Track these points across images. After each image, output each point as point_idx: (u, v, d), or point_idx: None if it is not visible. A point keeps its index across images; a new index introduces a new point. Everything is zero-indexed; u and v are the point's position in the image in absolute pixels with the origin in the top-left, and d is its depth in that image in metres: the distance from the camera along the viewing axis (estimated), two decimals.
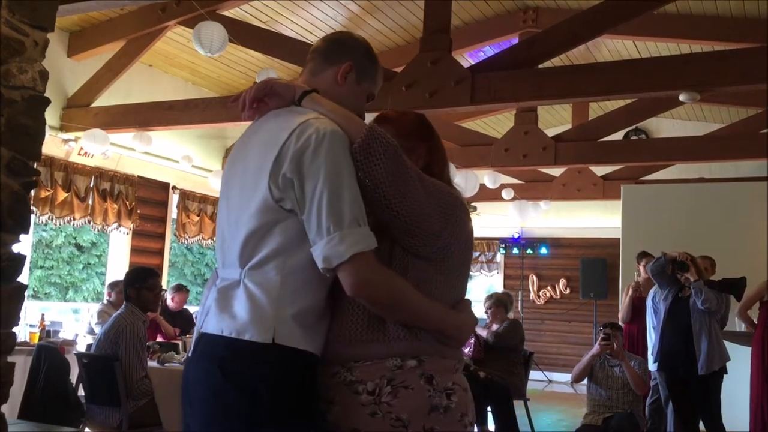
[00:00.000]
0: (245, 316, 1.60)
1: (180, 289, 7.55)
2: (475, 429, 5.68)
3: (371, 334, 1.61)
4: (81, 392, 5.00)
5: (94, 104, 7.35)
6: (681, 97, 5.48)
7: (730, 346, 5.41)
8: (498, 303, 6.41)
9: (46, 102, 2.83)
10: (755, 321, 5.74)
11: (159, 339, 6.37)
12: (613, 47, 8.23)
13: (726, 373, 5.17)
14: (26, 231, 2.74)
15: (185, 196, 8.96)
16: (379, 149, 1.61)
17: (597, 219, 10.85)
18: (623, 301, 6.73)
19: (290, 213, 1.62)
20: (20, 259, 2.71)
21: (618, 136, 9.19)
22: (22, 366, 4.46)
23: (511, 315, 6.67)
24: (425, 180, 1.69)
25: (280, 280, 1.61)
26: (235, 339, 1.59)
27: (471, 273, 12.28)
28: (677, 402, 5.23)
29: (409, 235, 1.65)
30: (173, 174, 8.66)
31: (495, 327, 6.30)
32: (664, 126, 10.28)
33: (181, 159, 8.31)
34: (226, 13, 6.58)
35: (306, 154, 1.59)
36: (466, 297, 1.81)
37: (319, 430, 1.64)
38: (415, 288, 1.63)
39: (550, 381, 10.97)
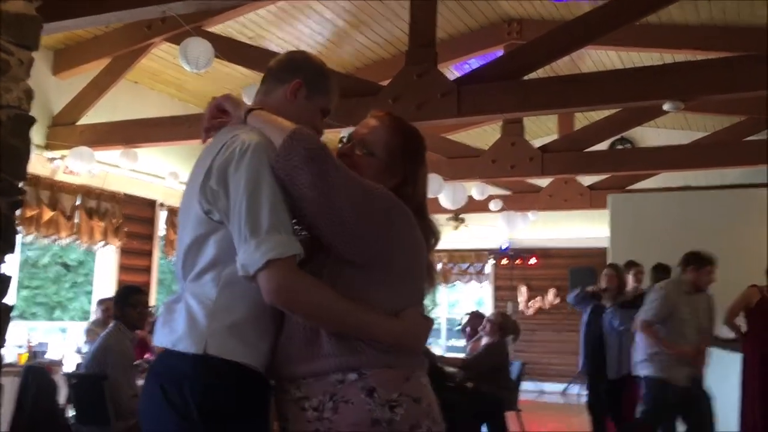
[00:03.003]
0: (181, 328, 1.64)
1: None
2: None
3: (310, 350, 1.60)
4: (70, 413, 4.94)
5: (80, 122, 7.31)
6: (665, 107, 5.53)
7: (717, 353, 5.57)
8: (495, 320, 6.38)
9: (32, 121, 2.81)
10: (742, 328, 5.82)
11: (148, 357, 6.32)
12: (597, 58, 8.30)
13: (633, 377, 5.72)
14: (12, 251, 2.72)
15: (172, 212, 8.92)
16: (299, 151, 1.60)
17: (584, 229, 10.89)
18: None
19: (220, 224, 1.65)
20: (6, 279, 2.68)
21: (604, 145, 9.24)
22: (9, 388, 4.40)
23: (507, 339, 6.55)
24: (357, 183, 1.64)
25: (217, 292, 1.64)
26: (171, 350, 1.64)
27: (461, 283, 12.26)
28: (594, 402, 6.16)
29: (337, 240, 1.61)
30: (160, 191, 8.62)
31: (485, 341, 6.30)
32: (648, 135, 10.35)
33: (168, 175, 8.27)
34: (212, 29, 6.58)
35: (230, 166, 1.64)
36: (423, 305, 1.77)
37: None
38: (350, 297, 1.59)
39: (541, 392, 10.96)
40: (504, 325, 6.35)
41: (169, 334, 1.66)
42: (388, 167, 1.77)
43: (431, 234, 1.83)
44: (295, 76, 1.88)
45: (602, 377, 5.99)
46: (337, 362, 1.58)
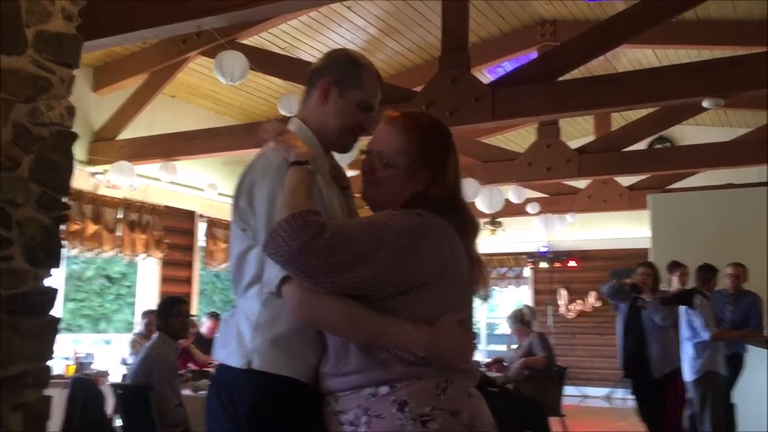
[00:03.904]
0: (231, 343, 1.69)
1: (213, 316, 7.67)
2: None
3: (341, 365, 1.59)
4: (117, 422, 5.02)
5: (120, 137, 7.46)
6: (704, 104, 5.43)
7: (760, 352, 5.56)
8: (515, 320, 6.40)
9: (74, 137, 2.88)
10: None
11: (191, 366, 6.40)
12: (633, 56, 8.19)
13: (679, 375, 5.69)
14: (57, 265, 2.78)
15: (212, 223, 9.04)
16: (280, 248, 1.50)
17: (624, 230, 10.73)
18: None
19: (256, 240, 1.67)
20: (53, 292, 2.75)
21: (642, 145, 9.10)
22: (58, 399, 4.50)
23: (536, 328, 6.60)
24: (350, 246, 1.51)
25: (260, 306, 1.66)
26: (224, 365, 1.70)
27: (498, 288, 12.14)
28: (641, 403, 5.83)
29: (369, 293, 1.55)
30: (199, 202, 8.75)
31: (522, 343, 6.27)
32: (688, 133, 10.16)
33: (207, 187, 8.39)
34: (245, 41, 6.67)
35: (255, 185, 1.67)
36: (466, 310, 1.68)
37: None
38: (376, 308, 1.54)
39: (584, 396, 10.81)
40: (520, 317, 6.38)
41: (223, 349, 1.72)
42: (413, 173, 1.67)
43: (470, 225, 1.73)
44: (323, 77, 1.81)
45: (647, 377, 5.71)
46: (366, 377, 1.56)
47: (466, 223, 1.72)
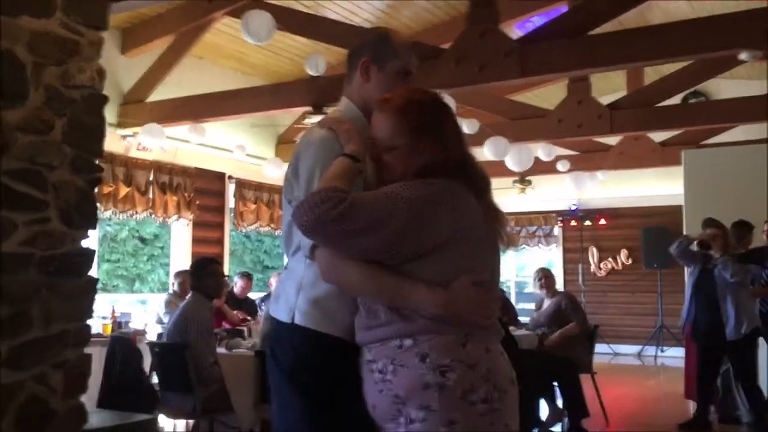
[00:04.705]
0: (281, 300, 1.89)
1: (245, 276, 7.80)
2: (542, 403, 5.68)
3: (372, 319, 1.73)
4: (154, 380, 5.15)
5: (149, 99, 7.50)
6: (742, 56, 5.28)
7: None
8: (542, 277, 6.36)
9: (105, 99, 2.90)
10: None
11: (224, 326, 6.52)
12: (666, 8, 7.96)
13: (761, 335, 5.51)
14: (94, 227, 2.83)
15: (241, 184, 9.10)
16: (308, 217, 1.64)
17: (657, 187, 10.57)
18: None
19: None
20: (90, 254, 2.80)
21: (676, 100, 8.90)
22: (97, 357, 4.61)
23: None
24: (366, 217, 1.64)
25: (305, 267, 1.84)
26: (275, 319, 1.89)
27: (528, 247, 12.12)
28: (707, 369, 5.65)
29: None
30: (228, 164, 8.80)
31: (550, 303, 6.25)
32: (724, 87, 9.91)
33: (236, 148, 8.42)
34: (271, 0, 6.61)
35: (300, 158, 1.86)
36: (488, 272, 1.77)
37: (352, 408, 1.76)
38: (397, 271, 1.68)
39: (615, 354, 10.81)
40: (548, 274, 6.41)
41: (274, 304, 1.92)
42: (413, 148, 1.76)
43: (482, 182, 1.82)
44: (360, 57, 1.96)
45: (720, 341, 5.47)
46: (392, 329, 1.69)
47: (478, 180, 1.81)
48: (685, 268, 6.51)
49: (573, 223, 11.67)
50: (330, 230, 1.63)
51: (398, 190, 1.68)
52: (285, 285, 1.90)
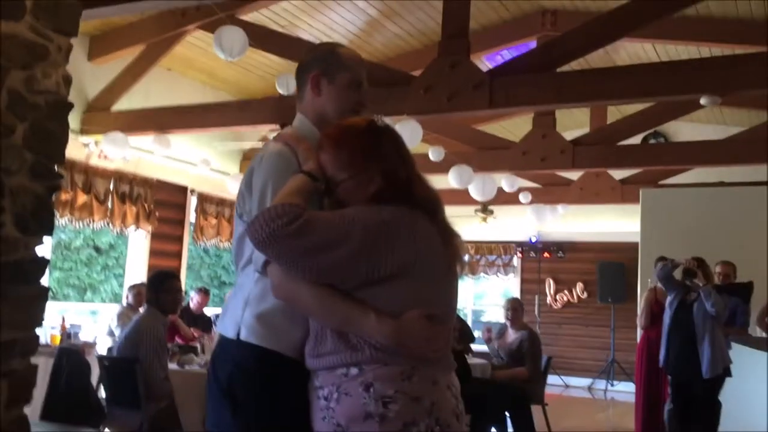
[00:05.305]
0: (226, 315, 1.86)
1: (203, 292, 7.70)
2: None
3: (320, 347, 1.71)
4: (102, 394, 5.03)
5: (114, 108, 7.40)
6: (702, 101, 5.46)
7: (748, 352, 5.46)
8: (511, 307, 6.39)
9: (70, 106, 2.85)
10: None
11: (177, 341, 6.40)
12: (632, 50, 8.17)
13: (730, 375, 5.40)
14: (50, 234, 2.77)
15: (203, 198, 9.01)
16: (262, 231, 1.62)
17: (615, 223, 10.77)
18: (641, 307, 6.69)
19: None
20: (43, 262, 2.73)
21: (636, 139, 9.12)
22: (44, 368, 4.50)
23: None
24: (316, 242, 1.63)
25: (253, 282, 1.80)
26: (221, 335, 1.87)
27: (486, 275, 12.20)
28: (680, 405, 5.54)
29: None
30: (191, 177, 8.71)
31: (513, 335, 6.27)
32: (683, 129, 10.18)
33: (200, 162, 8.35)
34: (245, 17, 6.60)
35: (254, 172, 1.83)
36: (444, 307, 1.75)
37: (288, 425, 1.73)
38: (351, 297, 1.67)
39: (567, 386, 10.90)
40: (517, 305, 6.42)
41: (221, 320, 1.90)
42: (359, 179, 1.74)
43: (433, 203, 1.78)
44: (310, 71, 1.95)
45: (696, 377, 5.34)
46: (339, 357, 1.67)
47: (429, 201, 1.78)
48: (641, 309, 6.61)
49: (532, 254, 11.79)
50: (284, 246, 1.62)
51: (354, 214, 1.67)
52: (232, 300, 1.86)
